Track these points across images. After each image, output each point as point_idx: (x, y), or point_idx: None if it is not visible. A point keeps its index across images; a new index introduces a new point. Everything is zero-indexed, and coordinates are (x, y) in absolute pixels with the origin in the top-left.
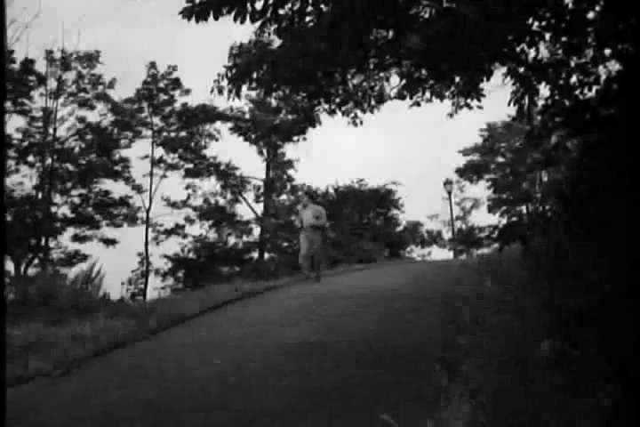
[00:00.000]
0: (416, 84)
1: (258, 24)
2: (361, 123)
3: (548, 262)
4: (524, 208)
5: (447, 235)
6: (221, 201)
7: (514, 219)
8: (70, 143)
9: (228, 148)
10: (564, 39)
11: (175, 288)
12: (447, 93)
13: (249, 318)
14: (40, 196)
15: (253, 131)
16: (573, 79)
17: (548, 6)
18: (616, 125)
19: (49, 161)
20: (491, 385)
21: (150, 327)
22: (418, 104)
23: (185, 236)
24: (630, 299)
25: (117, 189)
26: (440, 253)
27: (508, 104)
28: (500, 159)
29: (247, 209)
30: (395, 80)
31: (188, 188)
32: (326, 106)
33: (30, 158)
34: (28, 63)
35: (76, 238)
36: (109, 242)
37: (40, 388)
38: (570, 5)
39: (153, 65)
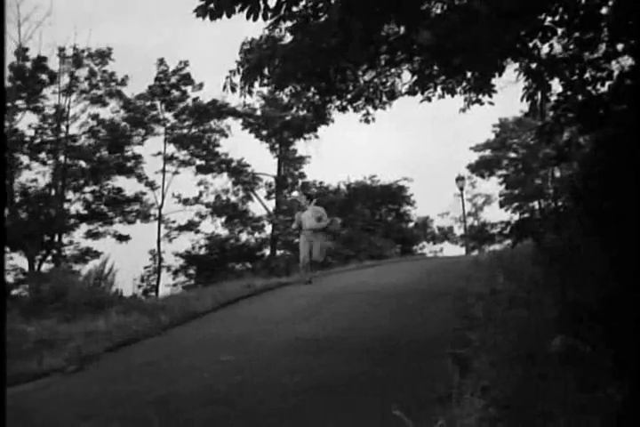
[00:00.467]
0: (427, 80)
1: (269, 20)
2: (373, 119)
3: (560, 258)
4: (536, 204)
5: (459, 231)
6: (233, 198)
7: (526, 215)
8: (83, 140)
9: (240, 144)
10: (576, 34)
11: (187, 285)
12: (459, 89)
13: (260, 314)
14: (53, 193)
15: (265, 127)
16: (586, 74)
17: (560, 1)
18: (629, 121)
19: (62, 158)
20: (503, 381)
21: (162, 324)
22: (429, 99)
23: (197, 232)
24: (635, 294)
25: (130, 185)
26: (452, 250)
27: (521, 100)
28: (513, 155)
29: (259, 206)
30: (406, 76)
31: (200, 184)
32: (337, 102)
33: (43, 155)
34: (40, 61)
35: (89, 235)
36: (122, 238)
37: (54, 383)
38: (582, 0)
39: (162, 61)
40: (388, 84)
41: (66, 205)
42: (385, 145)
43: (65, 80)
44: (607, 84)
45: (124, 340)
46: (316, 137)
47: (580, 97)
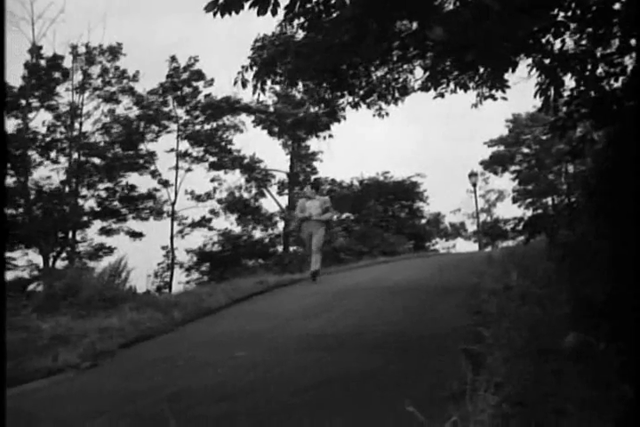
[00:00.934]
0: (440, 76)
1: (281, 16)
2: (386, 114)
3: (573, 254)
4: (549, 200)
5: (471, 227)
6: (246, 195)
7: (539, 211)
8: (96, 137)
9: (253, 140)
10: (589, 30)
11: (200, 281)
12: (471, 84)
13: (273, 310)
14: (67, 190)
15: (277, 124)
16: (599, 70)
17: None
18: None
19: (76, 155)
20: (516, 378)
21: (176, 320)
22: (442, 95)
23: (210, 228)
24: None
25: (143, 182)
26: (465, 246)
27: (534, 96)
28: (526, 150)
29: (272, 202)
30: (418, 72)
31: (213, 181)
32: (350, 98)
33: (57, 153)
34: (54, 59)
35: (102, 232)
36: (135, 235)
37: (68, 380)
38: None
39: (174, 59)
40: (401, 79)
41: (80, 202)
42: (398, 141)
43: (78, 77)
44: (621, 79)
45: (138, 336)
46: (330, 136)
47: (592, 92)
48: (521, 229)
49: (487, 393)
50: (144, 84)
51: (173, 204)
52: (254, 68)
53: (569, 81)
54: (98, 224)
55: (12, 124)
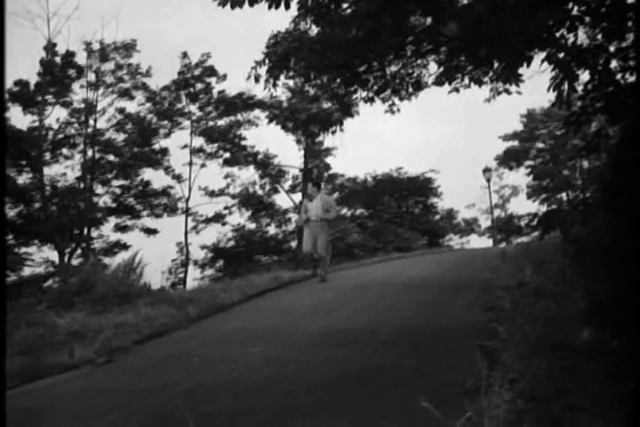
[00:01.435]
0: (454, 71)
1: (294, 12)
2: (398, 110)
3: (588, 250)
4: (564, 195)
5: (486, 223)
6: (260, 191)
7: (554, 206)
8: (111, 134)
9: (266, 136)
10: (604, 24)
11: (214, 277)
12: (485, 79)
13: (287, 306)
14: (82, 186)
15: (291, 120)
16: (614, 64)
17: None
18: None
19: (90, 152)
20: (530, 373)
21: (190, 316)
22: (457, 90)
23: (224, 224)
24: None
25: (157, 179)
26: (479, 242)
27: (548, 90)
28: (540, 145)
29: (286, 198)
30: (432, 67)
31: (226, 177)
32: (364, 93)
33: (71, 150)
34: (69, 56)
35: (117, 228)
36: (150, 232)
37: (84, 375)
38: None
39: (185, 55)
40: (415, 74)
41: (94, 199)
42: (411, 137)
43: (92, 74)
44: (635, 73)
45: (153, 332)
46: (341, 130)
47: (607, 87)
48: (535, 225)
49: (502, 389)
50: (157, 81)
51: (187, 200)
52: (267, 64)
53: (583, 75)
54: (112, 221)
55: (27, 121)
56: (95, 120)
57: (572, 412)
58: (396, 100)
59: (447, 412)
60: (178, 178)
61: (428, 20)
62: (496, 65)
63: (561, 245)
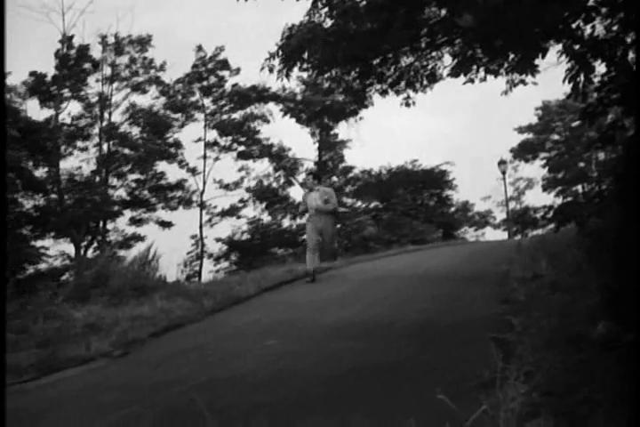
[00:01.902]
0: (469, 63)
1: (309, 5)
2: (413, 103)
3: (603, 243)
4: (579, 188)
5: (501, 216)
6: (274, 184)
7: (569, 199)
8: (125, 128)
9: (281, 129)
10: (620, 15)
11: (229, 270)
12: (501, 71)
13: (302, 299)
14: (98, 179)
15: (305, 112)
16: (630, 55)
17: None
18: None
19: (105, 146)
20: (546, 366)
21: (205, 309)
22: (472, 81)
23: (239, 217)
24: None
25: (171, 172)
26: (494, 234)
27: (563, 82)
28: (556, 137)
29: (300, 191)
30: (447, 59)
31: (241, 170)
32: (378, 86)
33: (85, 142)
34: (84, 49)
35: (132, 222)
36: (165, 224)
37: (101, 368)
38: None
39: (200, 48)
40: (429, 67)
41: (110, 192)
42: (426, 129)
43: (107, 68)
44: None
45: (168, 325)
46: (360, 119)
47: (624, 78)
48: (551, 217)
49: (517, 382)
50: (171, 75)
51: (202, 193)
52: (281, 55)
53: (599, 67)
54: (128, 214)
55: (44, 115)
56: (110, 114)
57: (587, 406)
58: (411, 93)
59: (463, 405)
60: (192, 171)
61: (443, 12)
62: (511, 56)
63: (576, 238)
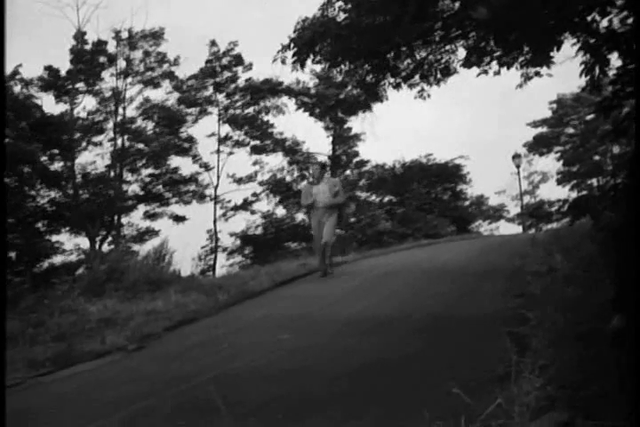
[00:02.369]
0: (483, 56)
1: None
2: (428, 96)
3: (618, 237)
4: (594, 181)
5: (515, 210)
6: (288, 178)
7: (584, 192)
8: (139, 123)
9: (294, 122)
10: (636, 7)
11: (243, 265)
12: (516, 65)
13: (316, 293)
14: (112, 174)
15: (318, 106)
16: None
17: None
18: None
19: (119, 140)
20: (561, 360)
21: (220, 303)
22: (485, 72)
23: (253, 212)
24: None
25: (185, 166)
26: (508, 228)
27: (580, 75)
28: (571, 130)
29: None
30: (461, 53)
31: (255, 164)
32: (392, 79)
33: (98, 136)
34: (99, 44)
35: (146, 216)
36: (179, 219)
37: (116, 362)
38: None
39: (214, 43)
40: (443, 60)
41: (124, 187)
42: (440, 123)
43: (121, 62)
44: None
45: (183, 319)
46: (370, 110)
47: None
48: (565, 211)
49: (532, 375)
50: (184, 70)
51: (216, 187)
52: (293, 48)
53: (614, 60)
54: (142, 209)
55: (59, 109)
56: (124, 108)
57: (602, 400)
58: (425, 86)
59: (478, 398)
60: (206, 166)
61: (457, 5)
62: (526, 49)
63: (591, 231)
